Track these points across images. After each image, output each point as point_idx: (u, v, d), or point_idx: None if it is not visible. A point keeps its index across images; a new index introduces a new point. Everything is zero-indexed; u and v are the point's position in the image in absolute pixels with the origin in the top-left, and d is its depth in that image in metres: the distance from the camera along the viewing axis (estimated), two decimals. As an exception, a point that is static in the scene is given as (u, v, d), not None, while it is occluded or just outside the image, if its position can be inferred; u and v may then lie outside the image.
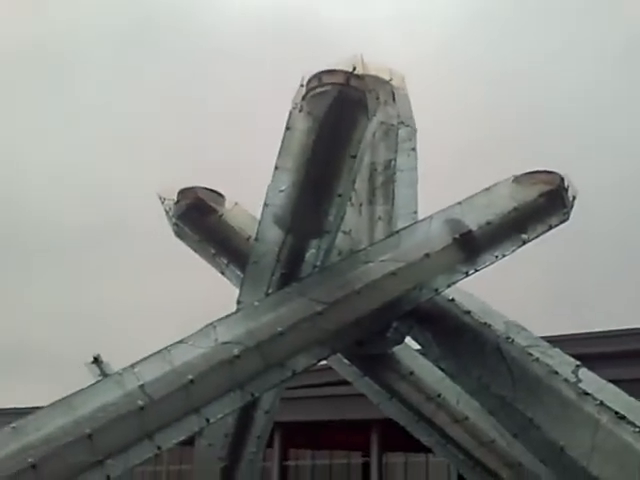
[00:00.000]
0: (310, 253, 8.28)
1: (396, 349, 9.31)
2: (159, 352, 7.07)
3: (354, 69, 7.43)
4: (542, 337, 8.28)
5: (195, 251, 9.75)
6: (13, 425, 6.35)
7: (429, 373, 9.31)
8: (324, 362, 8.47)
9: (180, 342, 7.22)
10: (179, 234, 9.69)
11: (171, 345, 7.15)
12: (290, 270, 8.29)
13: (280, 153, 7.93)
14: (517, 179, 8.74)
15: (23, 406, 20.19)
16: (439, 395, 9.30)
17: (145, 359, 7.02)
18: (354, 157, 7.75)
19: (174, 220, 9.56)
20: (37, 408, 6.58)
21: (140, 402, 6.65)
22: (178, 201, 9.51)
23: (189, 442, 8.11)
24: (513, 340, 8.12)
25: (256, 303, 7.86)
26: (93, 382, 7.25)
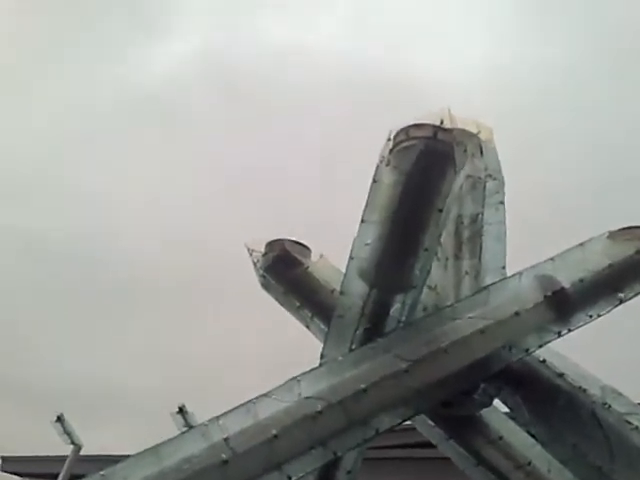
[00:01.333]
0: (395, 308, 8.19)
1: (484, 412, 8.91)
2: (244, 405, 7.07)
3: (442, 122, 7.49)
4: (641, 404, 7.90)
5: (280, 303, 9.82)
6: (102, 473, 6.34)
7: (519, 439, 8.85)
8: (408, 422, 8.25)
9: (264, 395, 7.20)
10: (265, 285, 9.81)
11: (256, 398, 7.14)
12: (374, 325, 8.19)
13: (366, 206, 7.95)
14: (611, 235, 8.46)
15: (110, 453, 20.56)
16: (529, 463, 8.75)
17: (230, 411, 7.03)
18: (441, 211, 7.73)
19: (261, 272, 9.68)
20: (125, 456, 6.61)
21: (224, 455, 6.61)
22: (266, 253, 9.64)
23: (269, 498, 8.10)
24: (610, 406, 7.75)
25: (340, 358, 7.82)
26: (181, 432, 7.26)
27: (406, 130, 7.56)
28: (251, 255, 9.78)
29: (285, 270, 9.49)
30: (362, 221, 7.94)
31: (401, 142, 7.58)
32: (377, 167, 7.85)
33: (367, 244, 7.94)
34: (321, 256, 9.49)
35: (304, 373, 7.51)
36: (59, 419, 21.37)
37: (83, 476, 6.36)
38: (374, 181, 7.86)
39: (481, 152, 8.87)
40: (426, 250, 7.78)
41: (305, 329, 9.65)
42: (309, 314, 9.46)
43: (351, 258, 8.13)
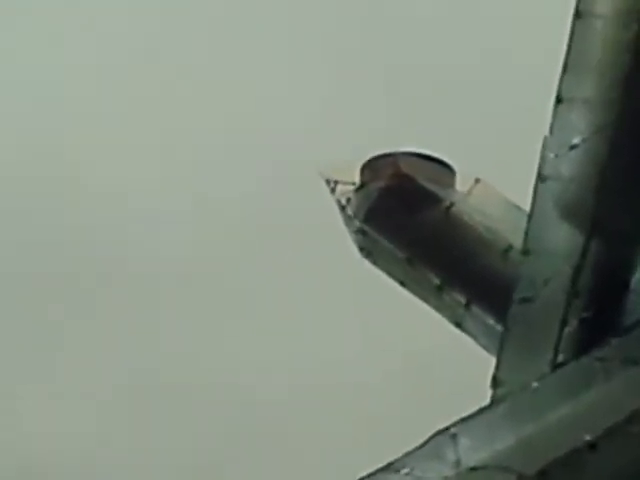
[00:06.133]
0: None
1: None
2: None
3: None
4: None
5: (400, 281, 9.68)
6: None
7: None
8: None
9: (388, 470, 7.24)
10: (367, 248, 9.70)
11: (374, 474, 7.26)
12: (601, 311, 7.93)
13: (565, 70, 7.59)
14: None
15: None
16: None
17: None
18: None
19: (357, 223, 9.54)
20: None
21: None
22: (363, 185, 9.50)
23: None
24: None
25: (534, 385, 7.64)
26: None
27: None
28: (333, 191, 9.81)
29: (406, 214, 9.46)
30: (558, 101, 7.62)
31: None
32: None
33: (573, 147, 7.64)
34: (477, 181, 9.37)
35: (464, 420, 7.43)
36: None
37: None
38: (577, 16, 7.44)
39: None
40: None
41: (453, 329, 9.65)
42: (461, 298, 9.26)
43: (541, 179, 7.84)
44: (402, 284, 9.72)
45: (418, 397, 16.90)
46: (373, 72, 19.12)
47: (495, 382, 8.23)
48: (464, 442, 7.26)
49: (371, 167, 9.57)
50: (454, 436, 7.28)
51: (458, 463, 7.16)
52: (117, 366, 19.81)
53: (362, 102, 18.73)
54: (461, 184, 9.49)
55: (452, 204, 9.32)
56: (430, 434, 7.40)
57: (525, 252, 8.11)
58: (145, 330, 20.00)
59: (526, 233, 8.10)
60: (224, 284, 20.11)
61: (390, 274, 9.79)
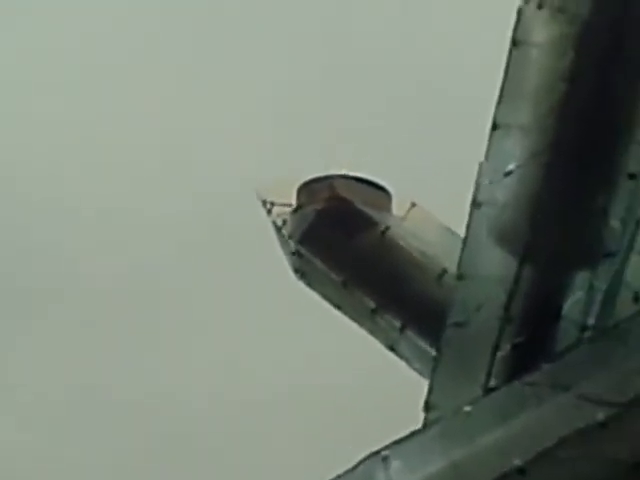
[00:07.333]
0: (573, 301, 7.87)
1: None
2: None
3: None
4: None
5: (335, 304, 9.66)
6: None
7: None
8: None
9: None
10: (302, 270, 9.64)
11: None
12: (533, 336, 7.90)
13: (501, 97, 7.68)
14: None
15: None
16: None
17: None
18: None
19: (293, 244, 9.49)
20: None
21: None
22: (299, 207, 9.48)
23: None
24: None
25: (467, 408, 7.59)
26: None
27: None
28: (269, 212, 9.74)
29: (342, 237, 9.43)
30: (494, 127, 7.65)
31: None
32: (519, 15, 7.54)
33: (508, 173, 7.64)
34: (413, 206, 9.33)
35: (396, 443, 7.39)
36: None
37: None
38: (514, 44, 7.56)
39: None
40: (633, 177, 7.45)
41: (386, 352, 9.58)
42: (396, 322, 9.22)
43: (476, 205, 7.84)
44: (337, 307, 9.67)
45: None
46: (312, 95, 19.30)
47: (427, 406, 8.17)
48: (395, 465, 7.23)
49: (308, 189, 9.56)
50: (385, 459, 7.25)
51: None
52: (67, 381, 19.71)
53: (302, 124, 18.87)
54: (397, 208, 9.48)
55: (388, 228, 9.28)
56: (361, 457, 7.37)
57: (459, 277, 8.11)
58: (89, 345, 19.99)
59: (460, 258, 8.09)
60: (173, 298, 20.12)
61: (325, 297, 9.76)
